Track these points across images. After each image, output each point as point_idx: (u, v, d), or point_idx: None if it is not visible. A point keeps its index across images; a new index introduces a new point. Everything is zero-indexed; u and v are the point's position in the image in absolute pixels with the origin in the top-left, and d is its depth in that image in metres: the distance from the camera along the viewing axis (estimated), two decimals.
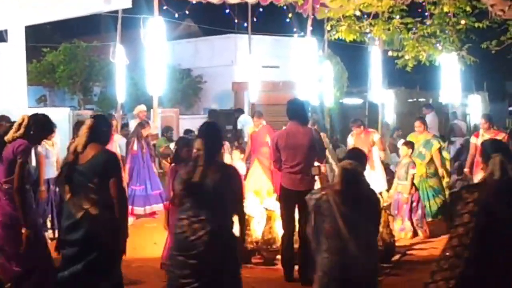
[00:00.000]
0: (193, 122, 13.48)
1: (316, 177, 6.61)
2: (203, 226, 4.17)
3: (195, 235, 4.17)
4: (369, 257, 4.10)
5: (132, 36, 12.30)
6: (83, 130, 4.46)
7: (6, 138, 4.86)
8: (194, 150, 4.32)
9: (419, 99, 19.03)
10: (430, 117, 13.52)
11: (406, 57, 12.70)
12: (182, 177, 4.27)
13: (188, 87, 18.47)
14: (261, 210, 7.28)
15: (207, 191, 4.20)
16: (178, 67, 18.49)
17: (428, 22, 12.03)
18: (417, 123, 9.66)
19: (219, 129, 4.56)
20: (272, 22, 15.70)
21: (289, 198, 6.29)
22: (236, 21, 14.67)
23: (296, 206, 6.29)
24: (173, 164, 6.43)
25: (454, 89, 13.13)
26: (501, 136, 9.20)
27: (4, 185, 4.81)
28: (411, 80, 18.53)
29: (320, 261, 4.12)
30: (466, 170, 9.39)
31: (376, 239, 4.26)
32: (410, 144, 8.81)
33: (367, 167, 8.99)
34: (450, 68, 12.80)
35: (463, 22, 11.69)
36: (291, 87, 13.96)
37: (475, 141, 9.28)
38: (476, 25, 11.85)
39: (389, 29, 11.82)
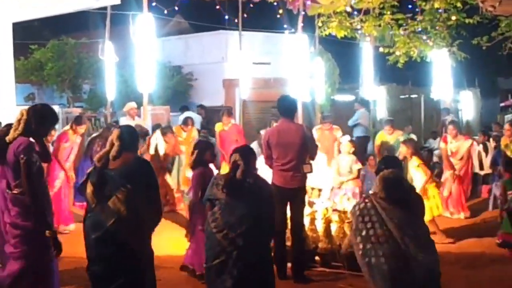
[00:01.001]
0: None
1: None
2: (241, 224, 4.38)
3: (235, 232, 4.36)
4: (430, 256, 4.04)
5: (121, 33, 12.17)
6: (113, 140, 4.36)
7: (7, 138, 4.56)
8: (231, 161, 4.71)
9: (411, 95, 19.00)
10: (361, 113, 13.46)
11: (397, 53, 12.69)
12: (222, 177, 4.66)
13: (178, 84, 18.31)
14: None
15: (246, 188, 4.56)
16: (168, 64, 18.34)
17: (419, 18, 12.03)
18: (387, 127, 10.29)
19: (252, 148, 5.13)
20: (263, 18, 15.62)
21: (280, 196, 6.19)
22: (226, 17, 14.60)
23: (288, 203, 6.25)
24: (200, 168, 6.15)
25: (446, 85, 13.14)
26: (469, 142, 9.47)
27: (14, 189, 4.51)
28: (402, 76, 18.49)
29: (378, 269, 4.00)
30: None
31: (430, 236, 4.23)
32: (354, 143, 9.43)
33: (325, 162, 9.16)
34: (441, 64, 12.80)
35: (454, 18, 11.71)
36: (283, 83, 13.89)
37: (444, 146, 9.57)
38: (467, 21, 11.87)
39: (380, 25, 11.82)
